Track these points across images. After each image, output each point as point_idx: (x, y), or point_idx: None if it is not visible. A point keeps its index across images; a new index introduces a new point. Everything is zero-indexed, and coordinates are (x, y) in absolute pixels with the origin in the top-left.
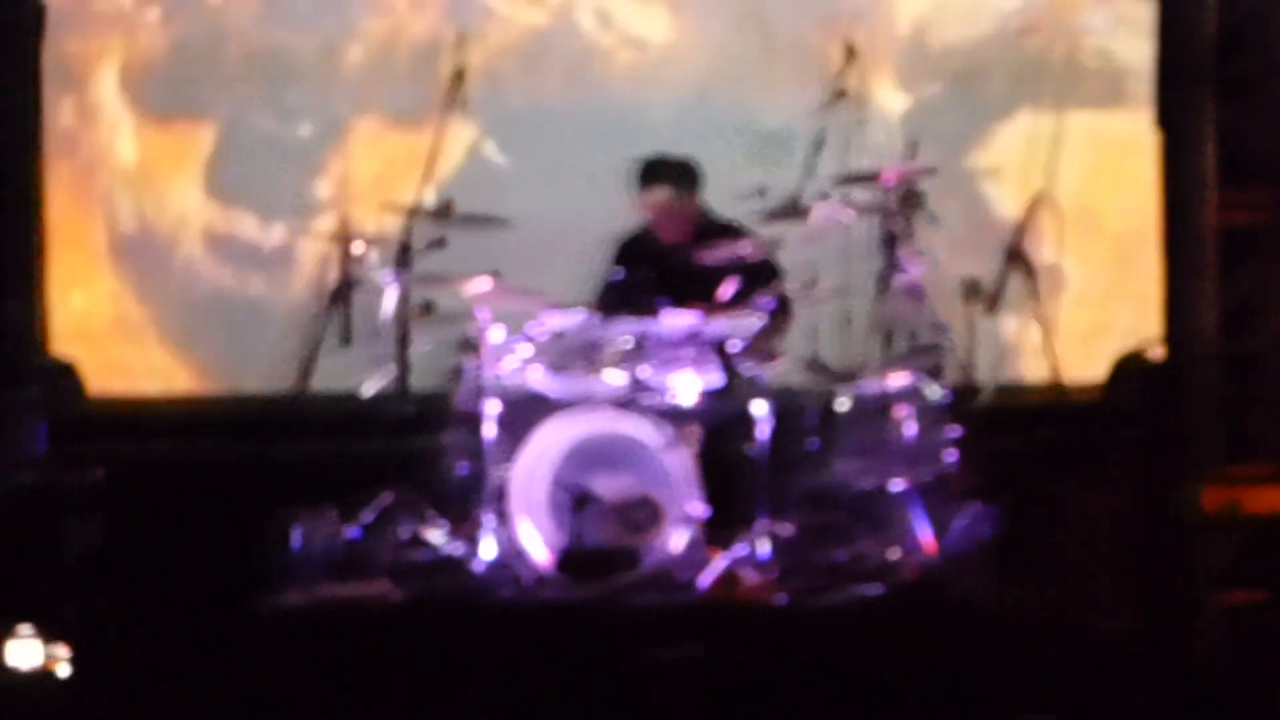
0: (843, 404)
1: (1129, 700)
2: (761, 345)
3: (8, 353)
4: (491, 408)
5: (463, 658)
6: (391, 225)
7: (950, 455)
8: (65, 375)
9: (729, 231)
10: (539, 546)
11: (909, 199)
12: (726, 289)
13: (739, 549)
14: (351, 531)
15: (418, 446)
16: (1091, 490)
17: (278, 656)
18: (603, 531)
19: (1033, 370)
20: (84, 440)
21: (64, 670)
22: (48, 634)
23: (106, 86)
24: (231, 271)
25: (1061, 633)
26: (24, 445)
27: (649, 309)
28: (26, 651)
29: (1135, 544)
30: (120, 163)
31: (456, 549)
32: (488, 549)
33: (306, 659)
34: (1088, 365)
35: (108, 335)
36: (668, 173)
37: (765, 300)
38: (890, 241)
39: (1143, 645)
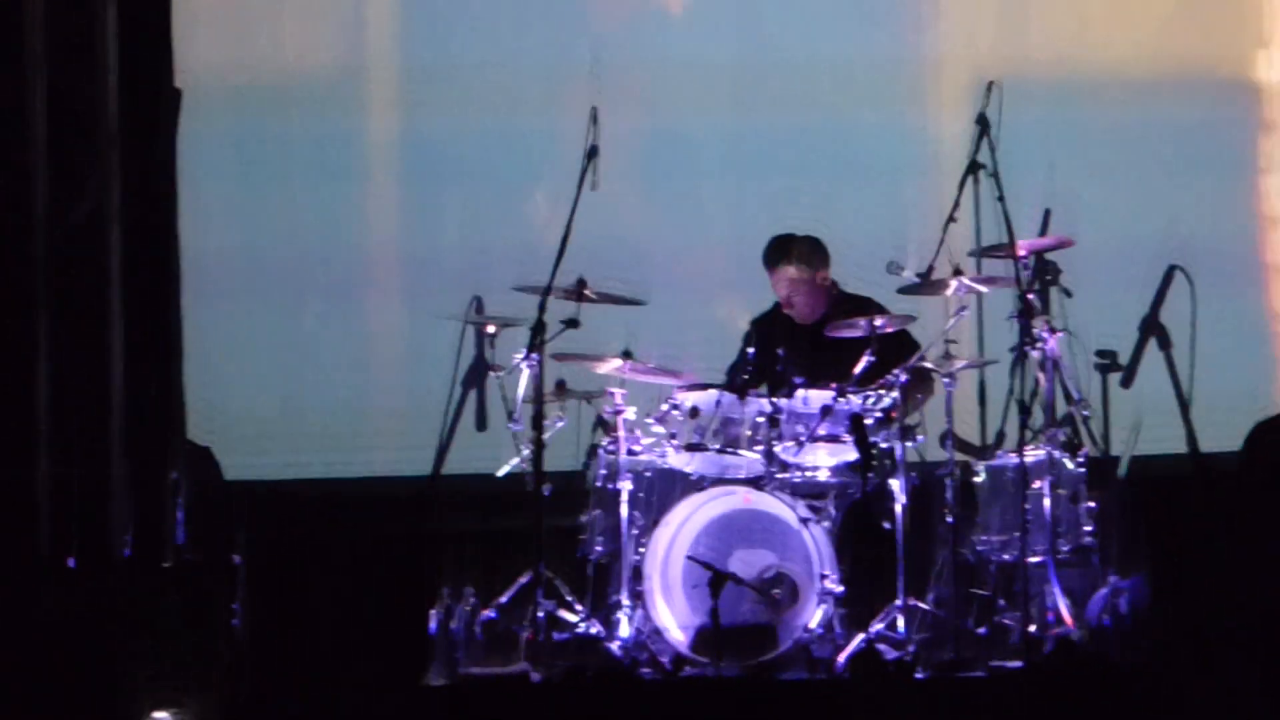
0: (980, 477)
1: None
2: (898, 419)
3: (149, 438)
4: (626, 486)
5: None
6: (525, 306)
7: (1089, 528)
8: (203, 459)
9: (863, 306)
10: (675, 626)
11: (1044, 271)
12: (861, 364)
13: (878, 625)
14: (490, 612)
15: (554, 526)
16: (1236, 558)
17: None
18: (740, 609)
19: (1170, 441)
20: (222, 524)
21: None
22: (187, 717)
23: None
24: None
25: (1217, 701)
26: (164, 529)
27: (784, 386)
28: None
29: None
30: None
31: (593, 628)
32: (624, 628)
33: None
34: (1224, 434)
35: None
36: (795, 250)
37: (901, 374)
38: (1026, 314)
39: None
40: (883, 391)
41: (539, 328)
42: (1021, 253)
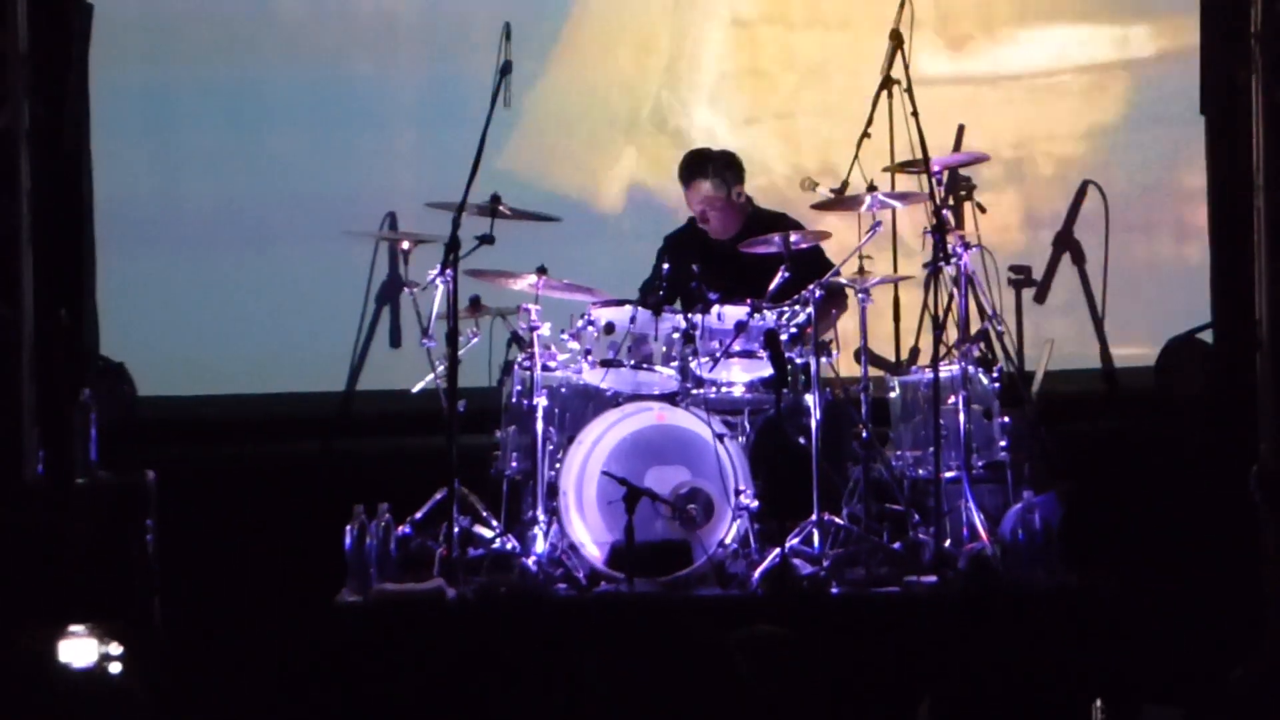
0: (894, 393)
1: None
2: (812, 335)
3: (61, 356)
4: (541, 403)
5: (520, 653)
6: (439, 222)
7: (1003, 443)
8: (117, 376)
9: (778, 222)
10: (591, 541)
11: (958, 186)
12: (776, 280)
13: (793, 540)
14: (404, 529)
15: (469, 443)
16: (1148, 475)
17: (333, 655)
18: (655, 525)
19: (1083, 356)
20: (136, 441)
21: (116, 669)
22: (101, 634)
23: None
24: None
25: (1126, 618)
26: (77, 447)
27: (699, 302)
28: (80, 650)
29: (1200, 528)
30: None
31: (508, 544)
32: (540, 544)
33: (362, 657)
34: (1137, 349)
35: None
36: (710, 166)
37: (816, 290)
38: (940, 229)
39: (1211, 628)
40: (797, 307)
41: (453, 244)
42: (935, 168)
